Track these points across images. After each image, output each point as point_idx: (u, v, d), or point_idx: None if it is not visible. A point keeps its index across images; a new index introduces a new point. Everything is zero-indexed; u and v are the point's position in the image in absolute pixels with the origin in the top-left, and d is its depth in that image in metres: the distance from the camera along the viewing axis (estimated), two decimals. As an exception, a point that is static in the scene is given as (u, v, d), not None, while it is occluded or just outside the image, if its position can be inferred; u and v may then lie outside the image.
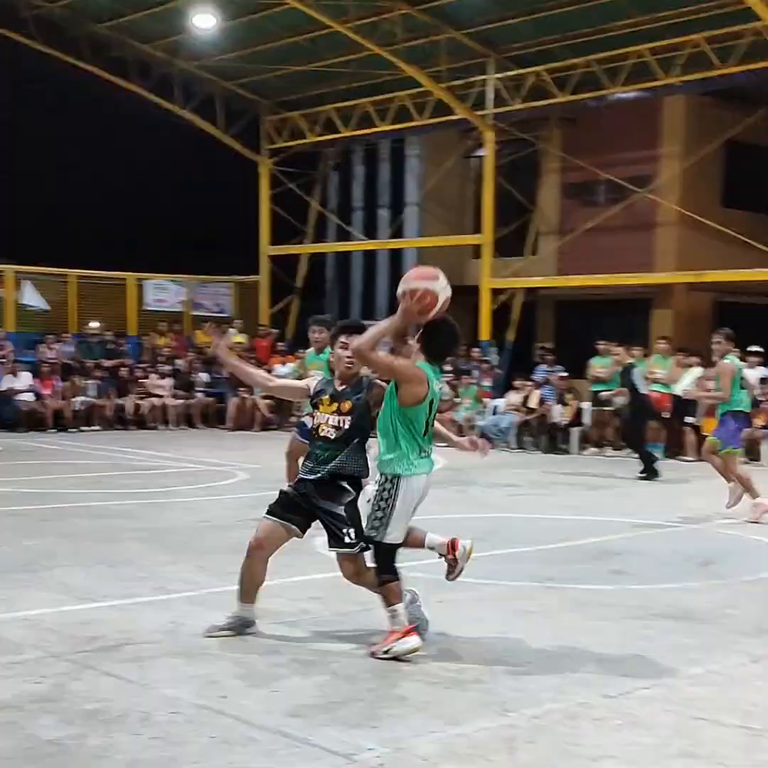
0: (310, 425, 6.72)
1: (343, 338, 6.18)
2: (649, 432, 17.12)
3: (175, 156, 28.01)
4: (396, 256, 28.21)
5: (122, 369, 23.30)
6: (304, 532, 6.34)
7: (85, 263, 24.71)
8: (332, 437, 6.21)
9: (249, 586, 6.28)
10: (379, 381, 6.30)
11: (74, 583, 7.38)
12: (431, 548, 6.29)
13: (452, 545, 6.21)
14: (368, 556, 6.19)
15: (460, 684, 5.47)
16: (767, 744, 4.72)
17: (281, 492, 6.36)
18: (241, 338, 25.37)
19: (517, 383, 20.62)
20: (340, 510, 6.14)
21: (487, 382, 21.77)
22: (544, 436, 19.86)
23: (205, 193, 28.94)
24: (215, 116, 26.54)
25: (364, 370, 6.33)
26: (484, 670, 5.70)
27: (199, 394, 23.87)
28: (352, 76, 24.41)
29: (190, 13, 22.74)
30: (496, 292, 23.86)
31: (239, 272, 27.50)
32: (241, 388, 23.55)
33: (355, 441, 6.28)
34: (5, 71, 25.93)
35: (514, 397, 20.47)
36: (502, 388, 21.93)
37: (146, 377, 23.37)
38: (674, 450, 18.19)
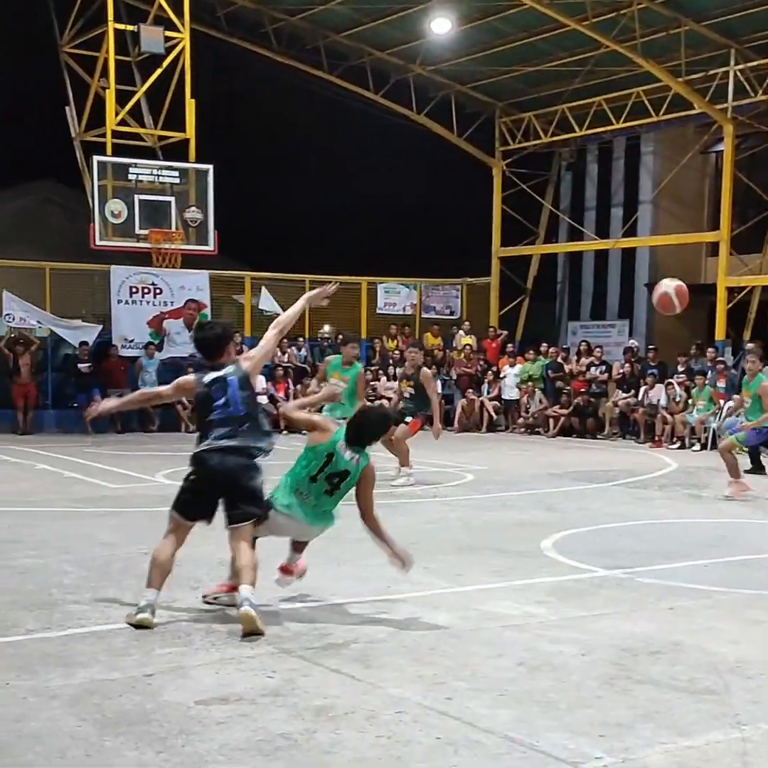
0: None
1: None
2: None
3: (407, 160, 28.40)
4: (628, 255, 27.64)
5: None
6: None
7: (319, 268, 25.33)
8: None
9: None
10: None
11: (303, 581, 7.52)
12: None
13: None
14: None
15: (691, 694, 5.26)
16: None
17: None
18: (469, 340, 25.44)
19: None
20: None
21: (721, 383, 21.01)
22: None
23: (437, 196, 29.20)
24: (449, 120, 26.74)
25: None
26: (716, 680, 5.47)
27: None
28: (588, 74, 24.15)
29: (426, 19, 23.13)
30: (732, 291, 23.03)
31: (470, 274, 27.59)
32: (469, 390, 23.60)
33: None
34: (248, 81, 26.99)
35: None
36: (737, 388, 21.10)
37: (377, 380, 23.74)
38: None
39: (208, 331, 7.08)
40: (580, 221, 28.23)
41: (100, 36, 23.67)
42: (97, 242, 22.67)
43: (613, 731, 4.71)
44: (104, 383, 21.35)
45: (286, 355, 23.57)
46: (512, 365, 23.99)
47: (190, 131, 23.66)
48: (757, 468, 15.10)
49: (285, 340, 23.76)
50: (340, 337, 12.26)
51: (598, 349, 23.42)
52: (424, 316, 26.83)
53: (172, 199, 23.24)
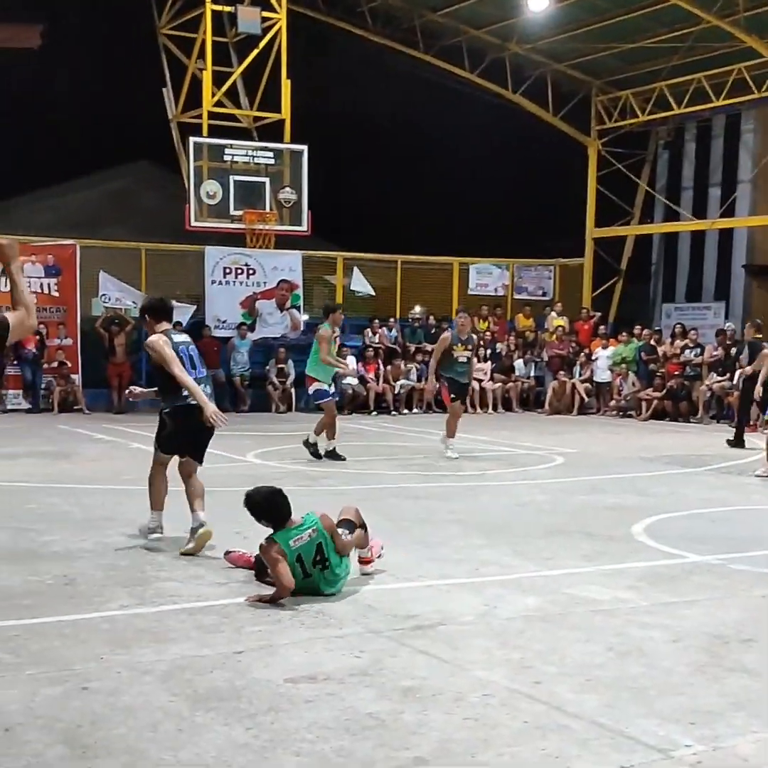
0: None
1: None
2: None
3: (501, 140, 28.19)
4: (726, 236, 27.11)
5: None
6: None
7: (411, 249, 25.32)
8: None
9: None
10: None
11: (393, 562, 7.55)
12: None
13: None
14: None
15: (785, 684, 5.18)
16: None
17: None
18: (561, 321, 25.22)
19: None
20: None
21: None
22: None
23: (531, 176, 28.94)
24: (544, 99, 26.49)
25: None
26: (812, 671, 5.37)
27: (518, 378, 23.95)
28: (687, 51, 23.70)
29: (523, -3, 22.88)
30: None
31: (563, 255, 27.34)
32: (561, 372, 23.43)
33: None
34: (343, 62, 27.03)
35: None
36: None
37: (467, 360, 23.65)
38: None
39: None
40: (676, 201, 27.77)
41: (197, 17, 23.92)
42: (192, 223, 22.92)
43: (703, 719, 4.66)
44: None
45: (377, 336, 23.61)
46: (605, 347, 23.73)
47: (285, 112, 23.78)
48: (738, 442, 16.06)
49: (376, 321, 23.85)
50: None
51: (693, 332, 23.04)
52: (516, 297, 26.67)
53: (266, 179, 23.39)
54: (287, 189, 23.51)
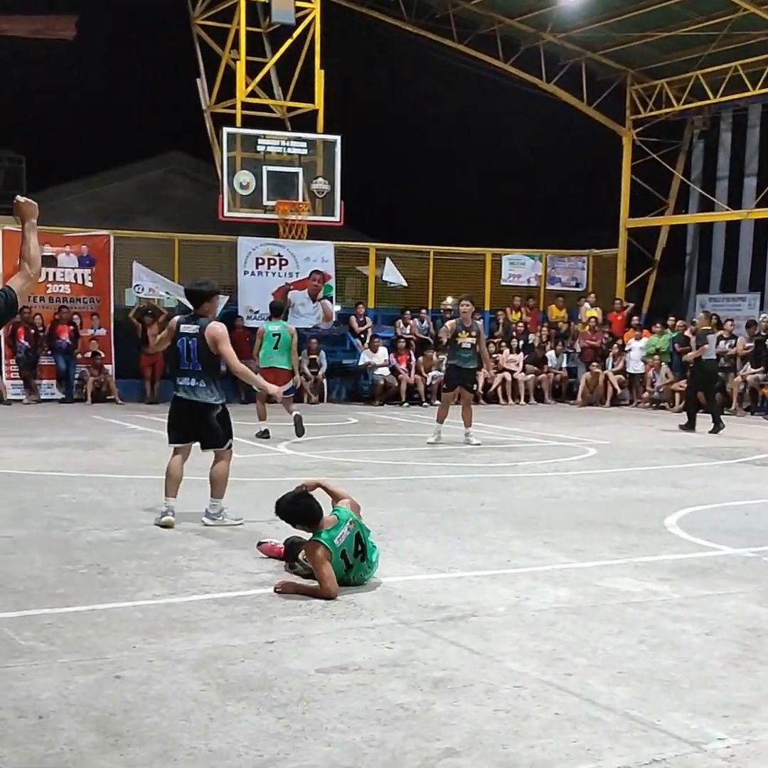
0: None
1: None
2: None
3: (534, 130, 28.08)
4: (761, 226, 26.84)
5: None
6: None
7: (444, 240, 25.25)
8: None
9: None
10: None
11: (423, 553, 7.56)
12: None
13: None
14: None
15: (820, 679, 5.14)
16: None
17: None
18: (594, 312, 25.10)
19: None
20: None
21: None
22: None
23: (565, 166, 28.82)
24: (579, 88, 26.35)
25: None
26: None
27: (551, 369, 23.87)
28: (723, 39, 23.49)
29: (558, -15, 22.80)
30: None
31: (596, 245, 27.19)
32: (594, 363, 23.32)
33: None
34: (377, 52, 26.99)
35: None
36: None
37: (499, 352, 23.62)
38: None
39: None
40: (711, 191, 27.55)
41: (231, 8, 23.93)
42: (226, 213, 22.99)
43: (736, 712, 4.63)
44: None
45: (408, 327, 23.59)
46: (638, 338, 23.62)
47: (319, 102, 23.78)
48: (690, 425, 17.15)
49: (407, 312, 23.81)
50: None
51: (728, 323, 22.86)
52: (549, 287, 26.56)
53: (299, 170, 23.41)
54: (320, 179, 23.52)
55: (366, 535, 6.69)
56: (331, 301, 23.44)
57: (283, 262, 23.25)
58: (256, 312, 22.96)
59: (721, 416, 17.58)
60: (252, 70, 23.68)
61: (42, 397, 20.96)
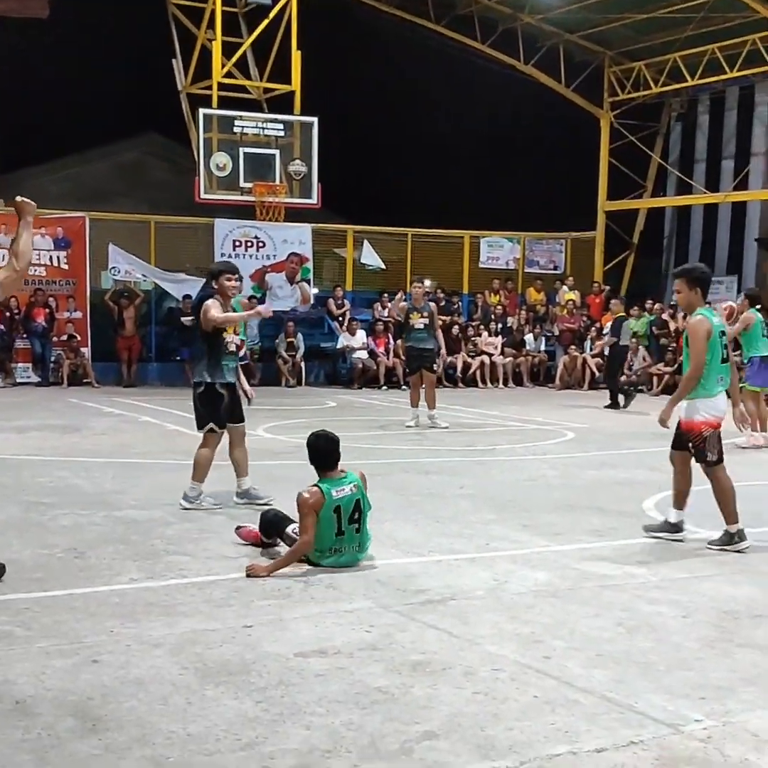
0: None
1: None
2: None
3: (511, 112, 28.03)
4: (738, 209, 26.95)
5: (454, 327, 23.61)
6: None
7: (422, 222, 25.19)
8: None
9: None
10: None
11: (402, 536, 7.56)
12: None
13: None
14: None
15: (795, 660, 5.18)
16: None
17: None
18: (572, 295, 25.14)
19: None
20: None
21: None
22: None
23: (542, 148, 28.78)
24: (556, 70, 26.30)
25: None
26: (823, 647, 5.36)
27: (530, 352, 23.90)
28: (701, 22, 23.44)
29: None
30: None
31: (574, 228, 27.21)
32: (572, 346, 23.37)
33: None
34: (354, 33, 26.83)
35: None
36: None
37: (478, 335, 23.62)
38: None
39: None
40: (689, 174, 27.62)
41: (207, -13, 23.72)
42: (202, 195, 22.86)
43: (713, 694, 4.66)
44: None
45: (386, 310, 23.54)
46: (615, 321, 23.62)
47: (296, 84, 23.65)
48: (613, 404, 18.17)
49: (385, 295, 23.78)
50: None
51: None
52: (528, 270, 26.58)
53: (276, 152, 23.29)
54: (297, 161, 23.42)
55: (365, 509, 6.72)
56: (309, 284, 23.37)
57: (261, 244, 23.16)
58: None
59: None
60: (228, 50, 23.51)
61: (18, 380, 20.83)
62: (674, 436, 7.85)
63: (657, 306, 23.81)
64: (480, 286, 25.70)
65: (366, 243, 24.32)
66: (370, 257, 24.28)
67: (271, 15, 23.56)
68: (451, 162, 29.87)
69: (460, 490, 9.66)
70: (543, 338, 24.33)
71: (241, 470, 8.65)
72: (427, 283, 24.70)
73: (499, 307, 24.81)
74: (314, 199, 23.69)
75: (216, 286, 8.84)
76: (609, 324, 19.66)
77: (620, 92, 26.74)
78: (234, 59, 23.52)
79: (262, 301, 22.82)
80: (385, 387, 22.01)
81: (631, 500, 9.18)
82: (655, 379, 22.14)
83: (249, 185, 22.93)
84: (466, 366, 23.06)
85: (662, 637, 5.45)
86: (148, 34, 25.28)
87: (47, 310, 21.04)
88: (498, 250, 26.31)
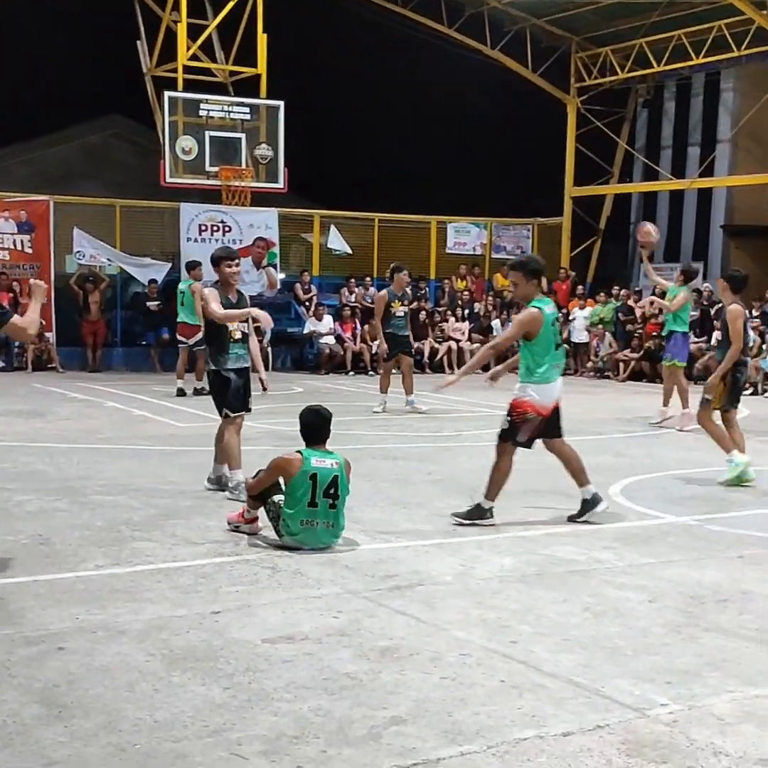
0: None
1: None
2: None
3: (478, 97, 28.01)
4: (705, 195, 27.08)
5: (421, 312, 23.56)
6: None
7: (389, 207, 25.14)
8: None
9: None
10: None
11: (370, 522, 7.57)
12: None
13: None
14: None
15: (759, 643, 5.23)
16: None
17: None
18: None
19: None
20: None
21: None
22: None
23: (509, 133, 28.79)
24: (523, 55, 26.26)
25: None
26: (786, 631, 5.41)
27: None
28: (667, 7, 23.48)
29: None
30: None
31: (541, 214, 27.25)
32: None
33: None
34: (319, 16, 26.72)
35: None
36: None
37: (445, 321, 23.62)
38: None
39: None
40: (655, 160, 27.71)
41: (172, -32, 23.49)
42: (168, 179, 22.67)
43: (679, 678, 4.70)
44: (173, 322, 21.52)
45: (353, 295, 23.51)
46: (582, 308, 23.74)
47: (262, 67, 23.49)
48: None
49: (352, 280, 23.75)
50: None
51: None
52: (494, 256, 26.57)
53: (242, 135, 23.13)
54: (263, 145, 23.28)
55: (342, 491, 6.75)
56: (276, 269, 23.26)
57: (227, 228, 23.02)
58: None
59: None
60: (193, 32, 23.30)
61: (-19, 365, 20.64)
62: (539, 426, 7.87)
63: (623, 292, 23.89)
64: (447, 272, 25.68)
65: (333, 228, 24.23)
66: (337, 242, 24.20)
67: (237, -3, 23.37)
68: (417, 147, 29.83)
69: (428, 476, 9.68)
70: (510, 324, 24.34)
71: (222, 458, 8.58)
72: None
73: (466, 292, 24.82)
74: (280, 184, 23.57)
75: (218, 275, 8.85)
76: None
77: (587, 78, 26.75)
78: (199, 41, 23.32)
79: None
80: (352, 372, 21.99)
81: (597, 486, 9.14)
82: (621, 365, 22.23)
83: (215, 169, 22.76)
84: (434, 352, 23.06)
85: (629, 622, 5.49)
86: (112, 15, 25.02)
87: (11, 295, 20.80)
88: (465, 235, 26.30)
